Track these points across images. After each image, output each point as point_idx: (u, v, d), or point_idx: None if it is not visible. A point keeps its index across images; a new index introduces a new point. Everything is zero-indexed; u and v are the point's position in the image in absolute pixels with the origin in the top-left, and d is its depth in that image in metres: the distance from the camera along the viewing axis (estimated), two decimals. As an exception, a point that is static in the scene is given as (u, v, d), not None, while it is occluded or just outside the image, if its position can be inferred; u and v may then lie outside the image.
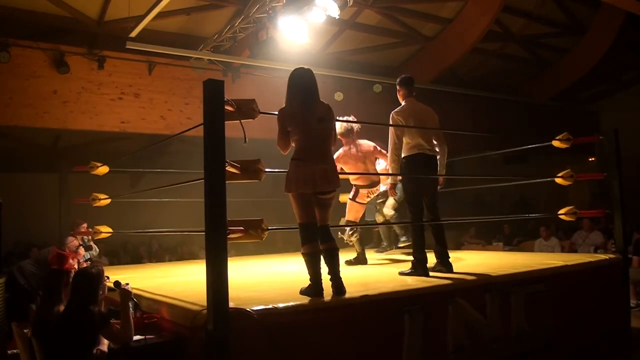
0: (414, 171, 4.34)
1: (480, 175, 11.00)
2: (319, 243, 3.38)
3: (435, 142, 4.55)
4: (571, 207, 5.05)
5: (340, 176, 3.63)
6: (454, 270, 4.24)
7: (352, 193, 5.51)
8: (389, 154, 4.46)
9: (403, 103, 4.59)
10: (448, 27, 10.06)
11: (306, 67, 3.54)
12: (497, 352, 3.80)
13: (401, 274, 4.29)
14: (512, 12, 9.97)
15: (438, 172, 4.54)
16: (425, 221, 4.47)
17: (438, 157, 4.56)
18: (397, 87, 4.67)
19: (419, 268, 4.20)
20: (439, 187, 4.61)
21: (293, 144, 3.44)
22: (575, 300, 4.43)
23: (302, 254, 3.39)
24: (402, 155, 4.40)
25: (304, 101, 3.41)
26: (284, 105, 3.48)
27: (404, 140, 4.38)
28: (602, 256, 5.10)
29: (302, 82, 3.45)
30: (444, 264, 4.30)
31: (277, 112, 3.47)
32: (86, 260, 5.91)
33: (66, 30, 7.94)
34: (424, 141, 4.41)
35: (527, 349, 3.99)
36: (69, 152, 9.99)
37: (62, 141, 9.96)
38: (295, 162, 3.38)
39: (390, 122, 4.42)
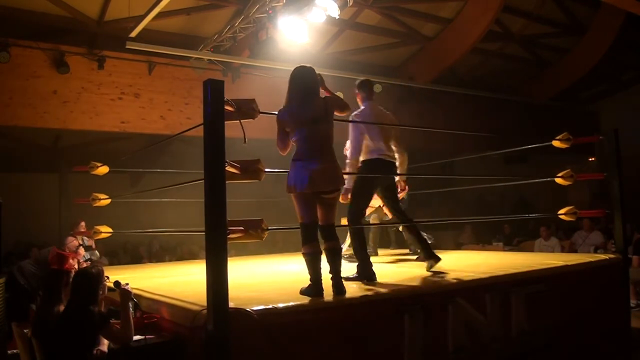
0: (369, 177, 4.22)
1: (480, 175, 11.00)
2: (319, 243, 3.38)
3: (394, 149, 4.41)
4: (571, 207, 5.05)
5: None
6: (455, 270, 4.24)
7: None
8: (348, 157, 4.32)
9: (362, 107, 4.42)
10: (448, 27, 10.07)
11: (307, 65, 3.53)
12: (497, 352, 3.80)
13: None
14: (512, 12, 9.97)
15: (399, 179, 4.49)
16: (418, 221, 4.47)
17: (397, 164, 4.46)
18: (356, 91, 4.48)
19: (363, 272, 3.98)
20: (403, 194, 4.52)
21: (294, 143, 3.44)
22: (575, 300, 4.43)
23: (303, 253, 3.39)
24: (361, 159, 4.28)
25: (304, 100, 3.41)
26: (283, 105, 3.48)
27: (364, 143, 4.25)
28: (602, 256, 5.10)
29: (302, 82, 3.45)
30: (431, 257, 4.21)
31: (276, 113, 3.46)
32: (86, 260, 5.91)
33: (66, 30, 7.94)
34: (384, 146, 4.29)
35: (527, 349, 3.98)
36: (69, 152, 9.99)
37: (62, 141, 9.96)
38: (295, 162, 3.38)
39: (350, 125, 4.25)
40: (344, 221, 5.45)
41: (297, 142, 3.39)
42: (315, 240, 3.38)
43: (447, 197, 10.19)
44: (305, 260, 3.37)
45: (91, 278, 3.25)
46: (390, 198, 4.42)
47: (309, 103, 3.41)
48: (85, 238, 6.27)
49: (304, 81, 3.45)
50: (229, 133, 2.87)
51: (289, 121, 3.40)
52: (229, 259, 2.79)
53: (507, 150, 7.43)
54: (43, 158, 10.31)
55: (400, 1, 9.33)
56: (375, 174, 4.22)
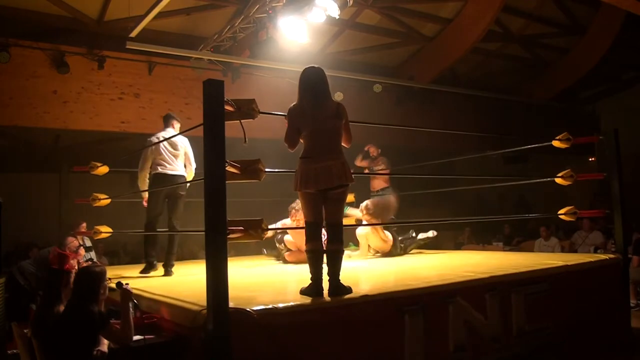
0: (154, 189, 5.15)
1: (480, 175, 11.00)
2: (322, 242, 3.40)
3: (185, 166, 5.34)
4: (571, 207, 5.05)
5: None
6: (455, 270, 4.24)
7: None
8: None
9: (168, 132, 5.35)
10: (448, 27, 10.07)
11: (316, 65, 3.55)
12: (497, 352, 3.80)
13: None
14: (512, 12, 9.98)
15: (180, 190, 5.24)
16: (419, 221, 4.48)
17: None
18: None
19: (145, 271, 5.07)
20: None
21: (302, 141, 3.45)
22: (576, 300, 4.43)
23: (305, 251, 3.41)
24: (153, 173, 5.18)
25: (314, 99, 3.43)
26: (295, 102, 3.49)
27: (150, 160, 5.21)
28: (602, 256, 5.09)
29: (311, 82, 3.47)
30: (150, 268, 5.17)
31: (276, 113, 3.46)
32: (86, 261, 5.91)
33: (66, 30, 7.94)
34: (166, 162, 5.21)
35: (527, 349, 3.99)
36: (69, 152, 9.97)
37: (62, 141, 9.94)
38: (303, 160, 3.39)
39: (145, 152, 5.19)
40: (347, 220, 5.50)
41: (305, 138, 3.40)
42: (319, 239, 3.39)
43: (447, 197, 10.17)
44: (308, 257, 3.38)
45: (94, 276, 3.24)
46: (169, 205, 5.28)
47: (319, 102, 3.43)
48: (85, 238, 6.27)
49: (313, 81, 3.47)
50: (229, 133, 2.87)
51: (300, 118, 3.41)
52: (229, 259, 2.79)
53: (507, 150, 7.42)
54: (43, 158, 10.29)
55: (400, 1, 9.32)
56: (159, 186, 5.13)
